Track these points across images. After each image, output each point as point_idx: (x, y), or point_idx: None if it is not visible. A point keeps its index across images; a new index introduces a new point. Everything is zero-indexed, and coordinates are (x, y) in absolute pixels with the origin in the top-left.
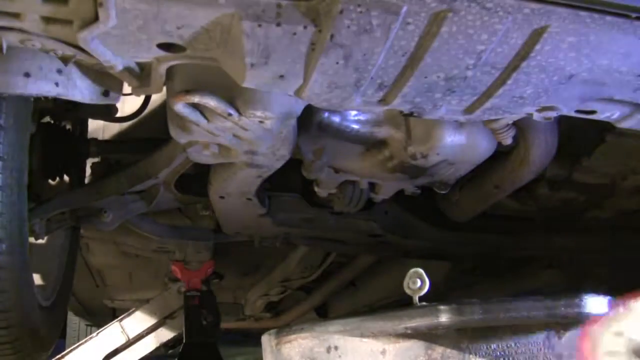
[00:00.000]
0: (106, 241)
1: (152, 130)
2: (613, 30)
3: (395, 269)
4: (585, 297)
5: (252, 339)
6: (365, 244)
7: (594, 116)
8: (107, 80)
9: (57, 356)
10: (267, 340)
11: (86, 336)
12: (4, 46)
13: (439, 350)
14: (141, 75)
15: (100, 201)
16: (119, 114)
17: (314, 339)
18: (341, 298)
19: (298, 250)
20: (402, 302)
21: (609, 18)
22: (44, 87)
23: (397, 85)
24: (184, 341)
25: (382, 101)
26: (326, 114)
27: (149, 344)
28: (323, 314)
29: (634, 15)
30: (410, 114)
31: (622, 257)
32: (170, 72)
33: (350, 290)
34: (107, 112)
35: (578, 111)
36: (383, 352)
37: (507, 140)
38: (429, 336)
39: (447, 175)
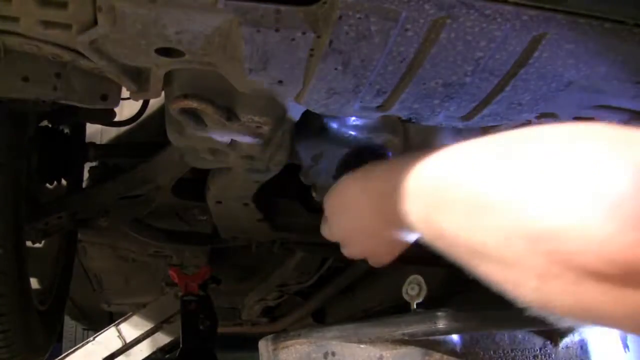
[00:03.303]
0: (103, 245)
1: (150, 135)
2: (612, 37)
3: (393, 274)
4: None
5: (249, 344)
6: None
7: None
8: (105, 85)
9: None
10: (264, 345)
11: (83, 340)
12: (2, 50)
13: (436, 356)
14: (139, 80)
15: (98, 205)
16: (117, 118)
17: (311, 345)
18: (338, 303)
19: (295, 256)
20: (399, 308)
21: (607, 25)
22: (42, 91)
23: (396, 92)
24: (180, 346)
25: (381, 107)
26: (324, 120)
27: (146, 348)
28: (320, 319)
29: (632, 22)
30: (409, 120)
31: None
32: (168, 76)
33: (347, 295)
34: (105, 116)
35: (576, 118)
36: (380, 358)
37: None
38: (427, 342)
39: None
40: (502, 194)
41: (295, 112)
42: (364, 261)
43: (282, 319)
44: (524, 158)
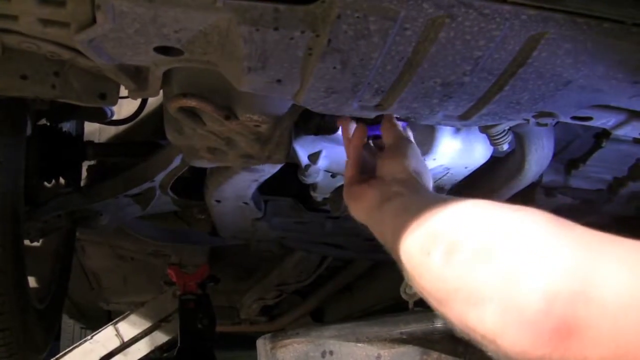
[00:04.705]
0: (102, 244)
1: (149, 134)
2: (610, 37)
3: (392, 273)
4: None
5: (247, 343)
6: (362, 248)
7: (590, 122)
8: (104, 83)
9: (51, 359)
10: (262, 344)
11: (81, 339)
12: (1, 48)
13: (434, 355)
14: (138, 79)
15: (96, 204)
16: (115, 117)
17: (309, 344)
18: (337, 303)
19: (294, 255)
20: (398, 307)
21: (606, 25)
22: (40, 89)
23: (394, 91)
24: (178, 345)
25: (379, 106)
26: (323, 118)
27: (144, 347)
28: (318, 318)
29: (630, 22)
30: (407, 119)
31: None
32: (167, 75)
33: (346, 294)
34: (104, 115)
35: (574, 117)
36: (378, 357)
37: (504, 147)
38: (425, 341)
39: (443, 181)
40: (451, 294)
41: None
42: (363, 260)
43: (281, 318)
44: (466, 259)
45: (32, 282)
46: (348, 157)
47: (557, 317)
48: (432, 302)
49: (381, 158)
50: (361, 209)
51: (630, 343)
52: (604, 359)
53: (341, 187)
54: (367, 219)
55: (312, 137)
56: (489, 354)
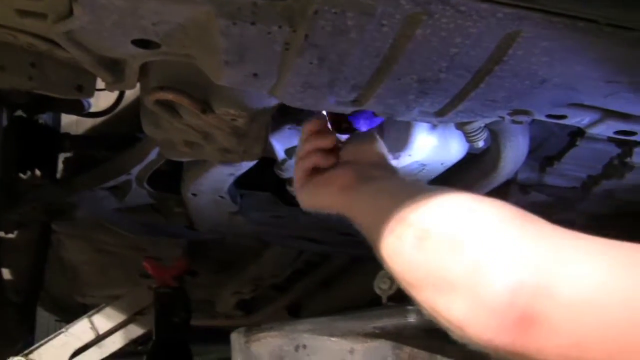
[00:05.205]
0: (79, 237)
1: (126, 126)
2: (585, 36)
3: (369, 269)
4: None
5: (223, 337)
6: (337, 242)
7: (564, 121)
8: (81, 75)
9: (26, 351)
10: (236, 338)
11: (55, 331)
12: None
13: (407, 350)
14: (115, 71)
15: (72, 196)
16: (92, 109)
17: (283, 338)
18: (315, 298)
19: (271, 249)
20: (375, 303)
21: (581, 24)
22: (17, 80)
23: (371, 87)
24: (153, 338)
25: (356, 102)
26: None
27: (119, 340)
28: (295, 313)
29: (604, 21)
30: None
31: None
32: (144, 68)
33: (323, 290)
34: (81, 107)
35: (549, 115)
36: (351, 351)
37: (479, 144)
38: (397, 336)
39: (419, 177)
40: (421, 280)
41: (270, 105)
42: (340, 256)
43: (257, 313)
44: (435, 247)
45: (6, 274)
46: (305, 151)
47: (520, 309)
48: (403, 284)
49: (352, 144)
50: (332, 192)
51: (583, 335)
52: (559, 349)
53: None
54: (340, 201)
55: (288, 131)
56: (455, 338)
